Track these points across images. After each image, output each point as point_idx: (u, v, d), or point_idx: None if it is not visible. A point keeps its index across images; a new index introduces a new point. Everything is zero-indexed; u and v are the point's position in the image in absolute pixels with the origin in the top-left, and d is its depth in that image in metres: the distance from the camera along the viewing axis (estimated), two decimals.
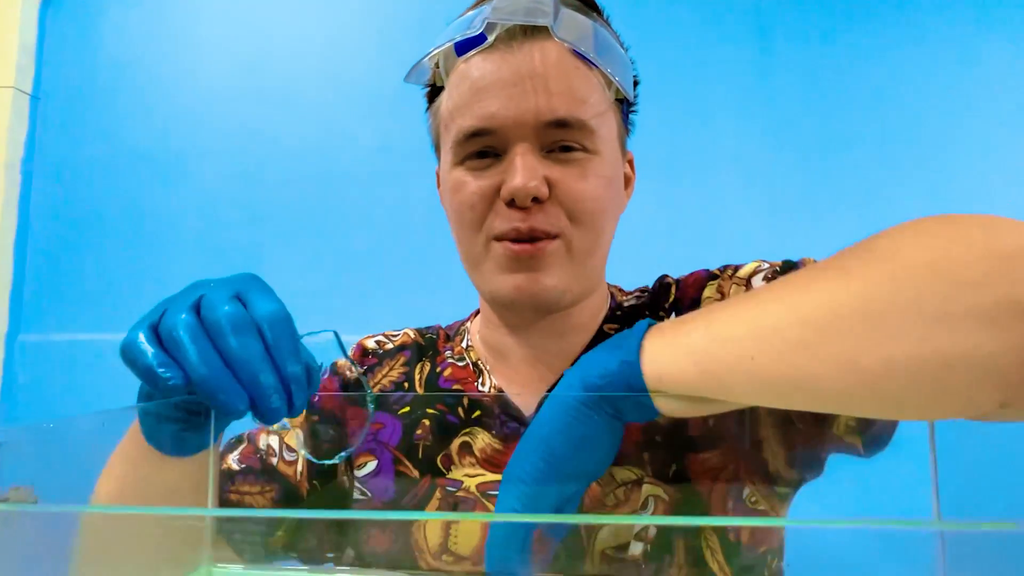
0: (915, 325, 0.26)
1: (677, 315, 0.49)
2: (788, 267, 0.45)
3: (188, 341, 0.28)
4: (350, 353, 0.54)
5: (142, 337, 0.29)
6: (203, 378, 0.27)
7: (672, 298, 0.49)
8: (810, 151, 1.33)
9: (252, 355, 0.28)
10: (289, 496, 0.45)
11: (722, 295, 0.46)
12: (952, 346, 0.25)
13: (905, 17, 1.32)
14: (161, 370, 0.27)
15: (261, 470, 0.46)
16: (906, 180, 1.30)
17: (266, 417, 0.29)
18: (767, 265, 0.45)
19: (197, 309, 0.29)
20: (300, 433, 0.48)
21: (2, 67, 1.39)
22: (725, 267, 0.48)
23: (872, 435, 0.37)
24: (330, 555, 0.44)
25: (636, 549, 0.39)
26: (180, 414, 0.32)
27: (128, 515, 0.31)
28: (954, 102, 1.30)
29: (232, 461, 0.47)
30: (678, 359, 0.30)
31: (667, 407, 0.31)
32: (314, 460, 0.46)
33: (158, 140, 1.43)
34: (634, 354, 0.31)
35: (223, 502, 0.44)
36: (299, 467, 0.47)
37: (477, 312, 0.53)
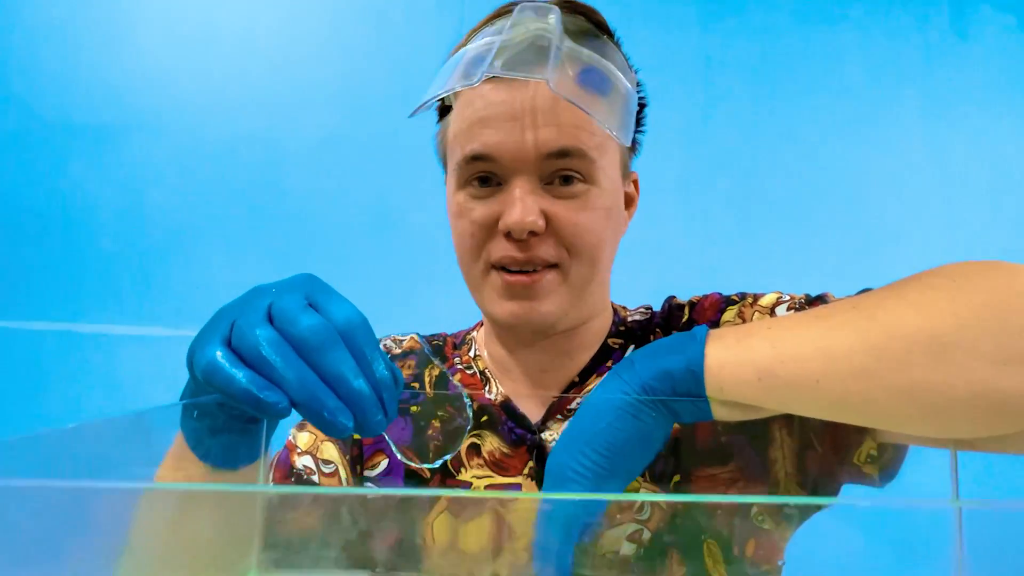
0: (976, 363, 0.28)
1: None
2: (811, 301, 0.46)
3: (280, 361, 0.26)
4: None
5: (221, 357, 0.27)
6: (306, 400, 0.26)
7: (687, 318, 0.51)
8: (744, 183, 1.44)
9: (347, 370, 0.27)
10: (337, 506, 0.45)
11: (743, 321, 0.48)
12: (1008, 386, 0.28)
13: (829, 66, 1.47)
14: (264, 394, 0.26)
15: (301, 494, 0.46)
16: (826, 208, 1.44)
17: (368, 430, 0.28)
18: (788, 297, 0.47)
19: (270, 319, 0.28)
20: (335, 444, 0.49)
21: None
22: (743, 294, 0.50)
23: (889, 467, 0.38)
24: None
25: (628, 550, 0.39)
26: (230, 424, 0.31)
27: (179, 522, 0.29)
28: (867, 141, 1.46)
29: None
30: (743, 372, 0.31)
31: (722, 412, 0.32)
32: (415, 465, 0.47)
33: (79, 111, 1.33)
34: (699, 362, 0.31)
35: (273, 534, 0.41)
36: (342, 476, 0.48)
37: (481, 323, 0.55)
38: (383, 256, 1.34)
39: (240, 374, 0.26)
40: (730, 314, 0.48)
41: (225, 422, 0.31)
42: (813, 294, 0.46)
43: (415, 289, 1.29)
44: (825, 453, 0.40)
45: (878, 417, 0.31)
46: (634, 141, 0.51)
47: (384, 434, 0.45)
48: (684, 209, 1.42)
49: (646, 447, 0.33)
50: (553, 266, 0.43)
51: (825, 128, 1.46)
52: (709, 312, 0.49)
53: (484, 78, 0.39)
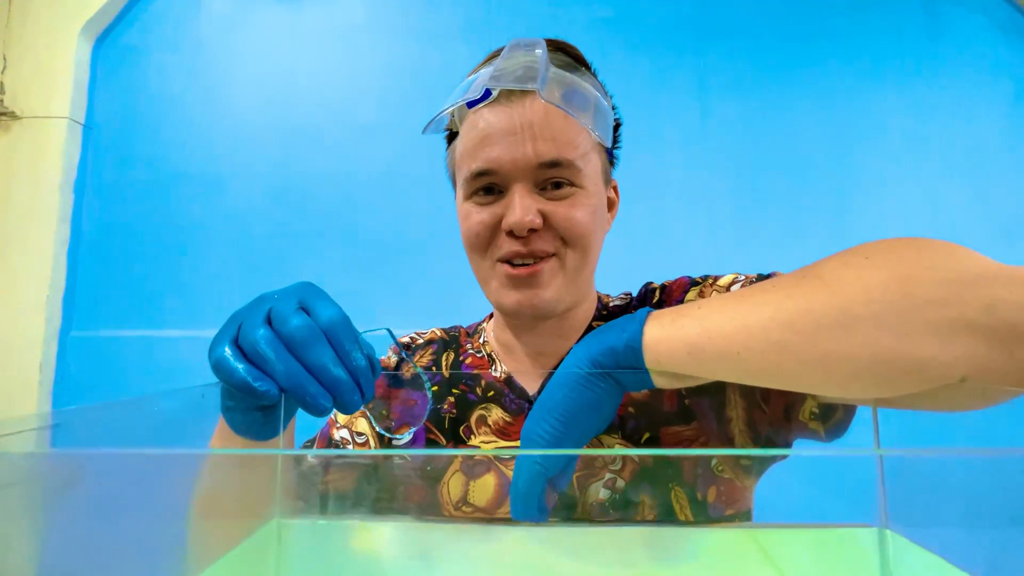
0: (882, 335, 0.29)
1: None
2: (762, 278, 0.47)
3: (272, 355, 0.30)
4: (388, 349, 0.60)
5: (228, 353, 0.31)
6: (292, 387, 0.30)
7: (657, 299, 0.54)
8: (741, 180, 1.62)
9: (326, 360, 0.31)
10: (369, 470, 0.48)
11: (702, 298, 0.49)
12: (911, 355, 0.29)
13: (811, 78, 1.63)
14: (257, 384, 0.30)
15: (346, 461, 0.50)
16: (817, 203, 1.60)
17: (346, 409, 0.32)
18: (743, 276, 0.49)
19: (269, 321, 0.31)
20: (366, 418, 0.54)
21: (60, 100, 1.61)
22: (706, 276, 0.52)
23: (833, 423, 0.40)
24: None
25: (604, 495, 0.43)
26: (257, 411, 0.33)
27: (219, 475, 0.33)
28: (850, 142, 1.61)
29: (313, 459, 0.48)
30: (674, 346, 0.34)
31: (661, 382, 0.35)
32: (389, 435, 0.51)
33: (194, 164, 1.65)
34: (637, 339, 0.34)
35: (315, 495, 0.44)
36: (371, 445, 0.53)
37: (491, 315, 0.60)
38: (435, 268, 1.60)
39: (240, 367, 0.30)
40: (692, 294, 0.51)
41: (251, 406, 0.33)
42: (767, 272, 0.48)
43: (463, 293, 1.55)
44: (772, 412, 0.43)
45: (794, 384, 0.32)
46: (612, 155, 0.54)
47: (365, 409, 0.48)
48: (686, 208, 1.61)
49: (597, 413, 0.35)
50: (551, 256, 0.47)
51: (809, 133, 1.61)
52: (676, 293, 0.52)
53: (482, 95, 0.44)
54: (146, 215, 1.65)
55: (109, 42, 1.69)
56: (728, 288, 0.49)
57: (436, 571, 0.34)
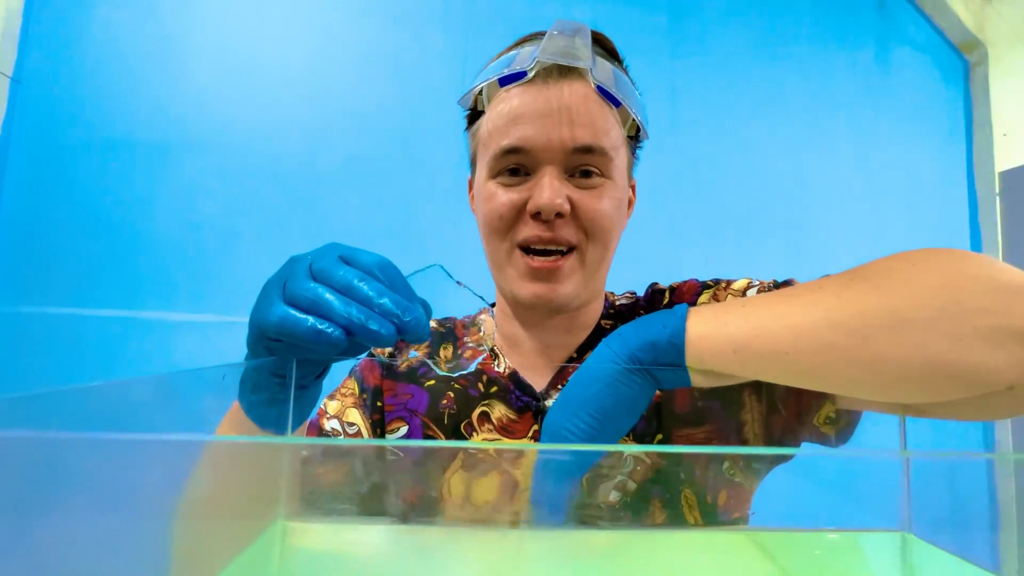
0: (932, 339, 0.29)
1: None
2: (777, 286, 0.47)
3: (330, 299, 0.30)
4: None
5: (288, 311, 0.30)
6: (355, 320, 0.29)
7: (667, 300, 0.53)
8: (703, 189, 1.68)
9: (382, 291, 0.30)
10: (368, 467, 0.46)
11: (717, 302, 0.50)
12: (962, 360, 0.29)
13: (774, 95, 1.72)
14: (323, 326, 0.29)
15: (331, 450, 0.48)
16: (769, 214, 1.68)
17: (411, 334, 0.30)
18: (758, 282, 0.49)
19: (313, 278, 0.31)
20: (357, 413, 0.51)
21: None
22: (718, 280, 0.52)
23: (844, 428, 0.40)
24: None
25: (615, 498, 0.41)
26: (279, 394, 0.33)
27: (221, 476, 0.29)
28: (805, 158, 1.71)
29: (312, 450, 0.44)
30: (719, 344, 0.33)
31: (699, 380, 0.34)
32: (442, 372, 0.48)
33: (139, 131, 1.53)
34: (680, 335, 0.34)
35: (304, 489, 0.41)
36: (364, 435, 0.51)
37: (490, 306, 0.57)
38: (399, 258, 1.56)
39: (307, 318, 0.30)
40: (705, 297, 0.51)
41: (274, 393, 0.33)
42: (781, 280, 0.48)
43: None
44: (788, 416, 0.42)
45: (841, 386, 0.32)
46: (636, 152, 0.54)
47: (419, 354, 0.47)
48: (652, 215, 1.63)
49: (632, 410, 0.35)
50: (572, 249, 0.46)
51: (770, 147, 1.70)
52: (687, 296, 0.52)
53: (534, 67, 0.44)
54: (81, 182, 1.51)
55: None
56: (744, 293, 0.48)
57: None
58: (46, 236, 1.48)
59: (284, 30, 1.60)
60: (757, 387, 0.42)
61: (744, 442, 0.44)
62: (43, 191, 1.50)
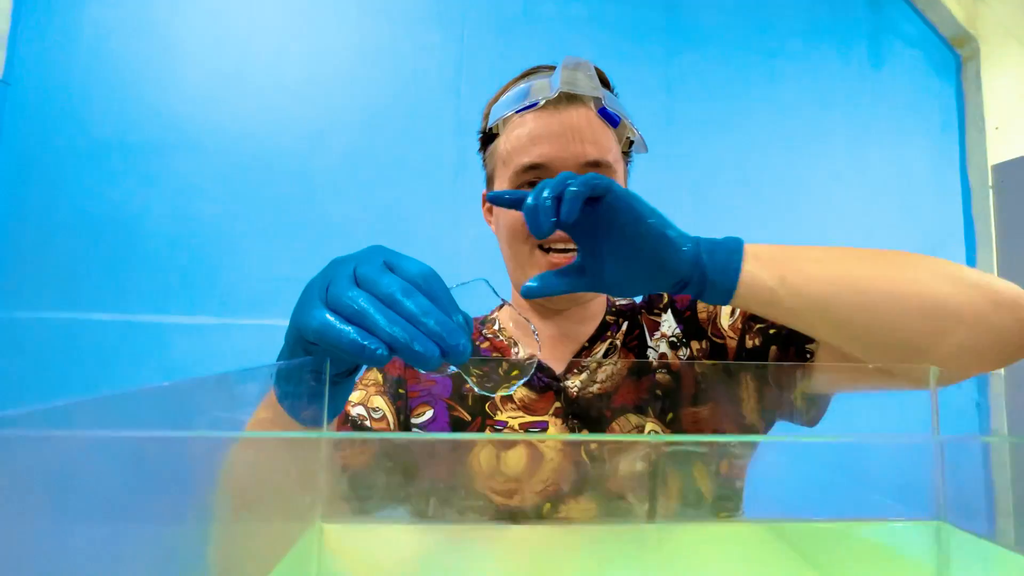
0: (919, 277, 0.38)
1: (672, 312, 0.61)
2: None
3: (375, 313, 0.29)
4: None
5: (331, 318, 0.30)
6: (399, 340, 0.28)
7: (665, 301, 0.61)
8: (699, 184, 1.69)
9: (428, 310, 0.29)
10: (385, 447, 0.47)
11: (710, 313, 0.58)
12: (947, 296, 0.38)
13: (768, 92, 1.73)
14: (367, 343, 0.28)
15: (364, 434, 0.52)
16: (767, 210, 1.69)
17: (453, 357, 0.30)
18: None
19: (357, 284, 0.31)
20: (381, 399, 0.54)
21: None
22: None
23: (815, 411, 0.48)
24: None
25: (642, 467, 0.43)
26: (313, 388, 0.34)
27: (260, 475, 0.29)
28: (799, 153, 1.72)
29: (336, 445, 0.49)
30: (768, 268, 0.40)
31: (742, 296, 0.41)
32: (492, 393, 0.48)
33: (132, 133, 1.51)
34: (738, 262, 0.40)
35: (335, 471, 0.42)
36: (390, 421, 0.53)
37: (500, 307, 0.62)
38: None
39: (349, 329, 0.29)
40: (701, 305, 0.59)
41: (311, 387, 0.33)
42: None
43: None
44: (777, 393, 0.50)
45: (858, 296, 0.39)
46: (629, 166, 0.63)
47: (460, 369, 0.46)
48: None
49: (658, 262, 0.40)
50: None
51: (764, 144, 1.71)
52: (684, 300, 0.62)
53: (550, 95, 0.52)
54: (73, 185, 1.49)
55: None
56: (732, 311, 0.57)
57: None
58: (38, 240, 1.47)
59: (277, 29, 1.59)
60: (753, 370, 0.50)
61: (741, 417, 0.51)
62: (34, 195, 1.48)
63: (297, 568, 0.30)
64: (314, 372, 0.34)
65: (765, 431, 0.53)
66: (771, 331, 0.52)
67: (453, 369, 0.48)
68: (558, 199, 0.36)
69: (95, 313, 1.46)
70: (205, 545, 0.26)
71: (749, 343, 0.53)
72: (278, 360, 0.35)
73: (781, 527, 0.33)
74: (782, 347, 0.50)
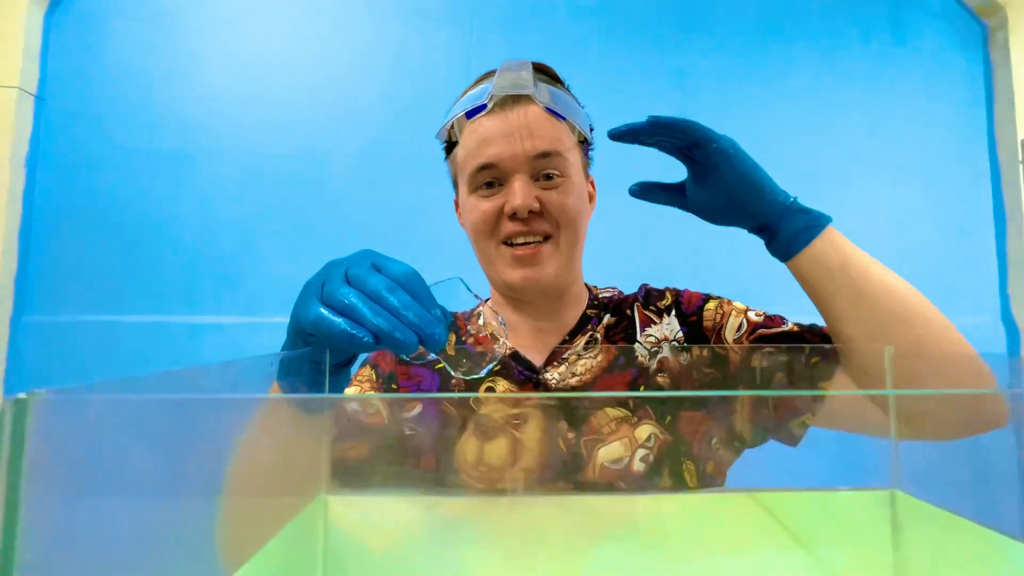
0: (929, 318, 0.46)
1: (677, 314, 0.63)
2: (768, 317, 0.60)
3: (363, 307, 0.33)
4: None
5: (325, 312, 0.34)
6: (383, 329, 0.33)
7: (669, 302, 0.64)
8: None
9: (408, 304, 0.34)
10: (378, 439, 0.51)
11: (722, 314, 0.62)
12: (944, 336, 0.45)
13: (784, 75, 1.69)
14: (355, 332, 0.33)
15: (355, 429, 0.51)
16: (791, 188, 1.66)
17: (430, 344, 0.34)
18: (754, 310, 0.62)
19: (348, 282, 0.35)
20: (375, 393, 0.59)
21: (8, 69, 1.50)
22: (720, 297, 0.64)
23: (802, 436, 0.52)
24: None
25: (640, 467, 0.49)
26: (314, 379, 0.37)
27: (263, 451, 0.32)
28: (818, 138, 1.68)
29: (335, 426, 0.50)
30: (835, 252, 0.48)
31: (800, 263, 0.48)
32: (467, 376, 0.50)
33: (158, 141, 1.57)
34: (814, 234, 0.48)
35: (334, 461, 0.44)
36: (384, 415, 0.55)
37: (484, 302, 0.64)
38: (413, 247, 1.59)
39: (339, 320, 0.33)
40: (711, 305, 0.62)
41: (311, 377, 0.37)
42: (772, 312, 0.61)
43: (438, 272, 1.54)
44: (774, 415, 0.53)
45: (878, 322, 0.46)
46: (588, 153, 0.65)
47: (439, 355, 0.50)
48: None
49: (740, 195, 0.50)
50: (547, 238, 0.56)
51: (780, 130, 1.67)
52: (694, 300, 0.64)
53: (490, 101, 0.54)
54: (106, 194, 1.56)
55: (63, 8, 1.59)
56: (745, 312, 0.60)
57: (476, 543, 0.35)
58: (76, 249, 1.55)
59: (289, 36, 1.63)
60: (755, 388, 0.53)
61: (732, 427, 0.54)
62: (72, 205, 1.56)
63: (303, 532, 0.34)
64: (313, 363, 0.38)
65: (756, 441, 0.55)
66: (782, 359, 0.54)
67: (432, 356, 0.52)
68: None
69: (131, 315, 1.54)
70: (217, 509, 0.29)
71: (755, 363, 0.55)
72: (281, 351, 0.39)
73: (758, 496, 0.35)
74: (788, 376, 0.52)
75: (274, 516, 0.33)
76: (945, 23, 1.70)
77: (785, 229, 0.48)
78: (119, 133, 1.57)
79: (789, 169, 1.70)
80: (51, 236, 1.55)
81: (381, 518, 0.38)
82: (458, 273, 0.46)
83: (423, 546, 0.35)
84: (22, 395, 0.17)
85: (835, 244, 0.47)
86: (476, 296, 0.46)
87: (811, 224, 0.48)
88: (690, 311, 0.62)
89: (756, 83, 1.69)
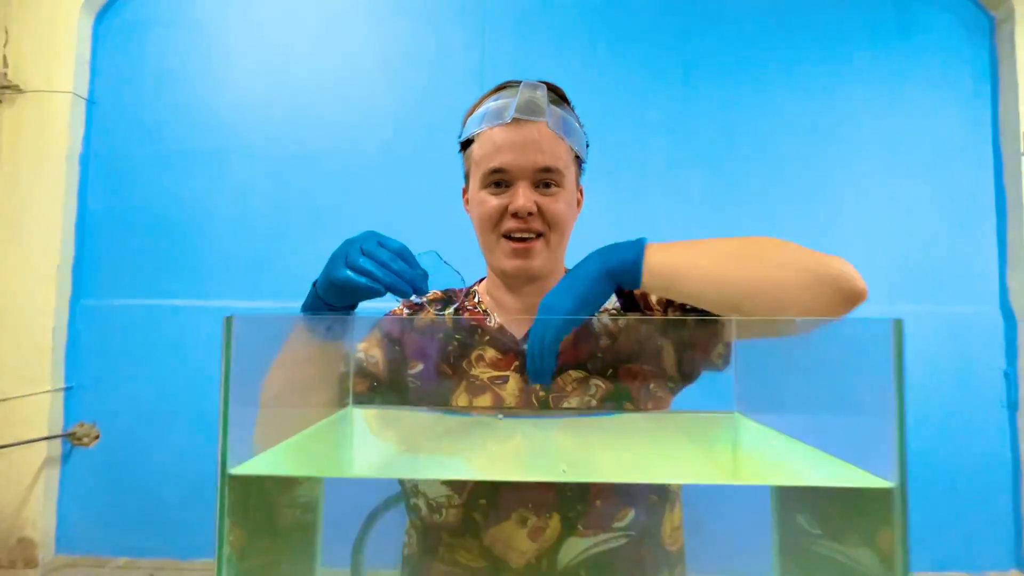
0: (769, 270, 0.51)
1: (616, 289, 0.65)
2: None
3: (375, 270, 0.50)
4: (401, 306, 0.76)
5: (351, 273, 0.50)
6: (388, 282, 0.50)
7: None
8: (718, 165, 1.73)
9: (403, 269, 0.51)
10: (377, 382, 0.68)
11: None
12: (782, 280, 0.51)
13: (788, 68, 1.73)
14: (372, 285, 0.50)
15: (363, 372, 0.70)
16: (787, 189, 1.72)
17: (417, 292, 0.51)
18: None
19: (362, 253, 0.51)
20: (378, 350, 0.71)
21: (62, 74, 1.65)
22: None
23: (725, 361, 0.61)
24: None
25: (587, 403, 0.61)
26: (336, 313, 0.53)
27: (298, 368, 0.48)
28: (821, 129, 1.72)
29: (363, 363, 0.69)
30: (669, 263, 0.52)
31: (650, 284, 0.53)
32: (440, 315, 0.70)
33: (195, 140, 1.71)
34: (640, 254, 0.52)
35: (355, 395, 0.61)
36: (380, 366, 0.70)
37: (480, 280, 0.77)
38: (422, 234, 1.70)
39: (362, 279, 0.50)
40: None
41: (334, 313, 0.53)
42: None
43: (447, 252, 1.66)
44: (695, 354, 0.65)
45: (722, 293, 0.53)
46: (582, 167, 0.73)
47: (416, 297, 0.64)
48: (666, 189, 1.71)
49: (601, 300, 0.53)
50: (539, 236, 0.65)
51: (785, 123, 1.72)
52: None
53: (510, 120, 0.63)
54: (150, 188, 1.71)
55: (109, 18, 1.73)
56: None
57: (467, 440, 0.51)
58: (125, 240, 1.70)
59: (313, 40, 1.74)
60: (675, 334, 0.65)
61: (663, 370, 0.64)
62: (120, 200, 1.71)
63: (334, 428, 0.50)
64: (328, 305, 0.54)
65: (688, 379, 0.67)
66: (687, 307, 0.64)
67: (416, 299, 0.72)
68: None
69: (173, 300, 1.70)
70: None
71: (671, 315, 0.67)
72: (311, 290, 0.55)
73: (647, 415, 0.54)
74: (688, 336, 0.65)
75: (315, 416, 0.50)
76: (952, 15, 1.71)
77: (623, 273, 0.53)
78: (161, 133, 1.72)
79: (794, 160, 1.79)
80: (103, 228, 1.71)
81: (397, 423, 0.55)
82: (461, 255, 0.59)
83: (428, 443, 0.50)
84: (228, 315, 0.33)
85: (657, 257, 0.52)
86: (447, 263, 0.58)
87: (632, 249, 0.53)
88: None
89: (759, 78, 1.73)
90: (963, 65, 1.71)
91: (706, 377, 0.65)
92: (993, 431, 1.69)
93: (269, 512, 0.39)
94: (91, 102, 1.70)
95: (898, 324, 0.28)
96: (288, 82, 1.73)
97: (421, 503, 0.60)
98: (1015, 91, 1.64)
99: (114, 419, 1.68)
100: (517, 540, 0.55)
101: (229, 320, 0.32)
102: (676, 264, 0.52)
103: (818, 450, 0.36)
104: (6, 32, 1.65)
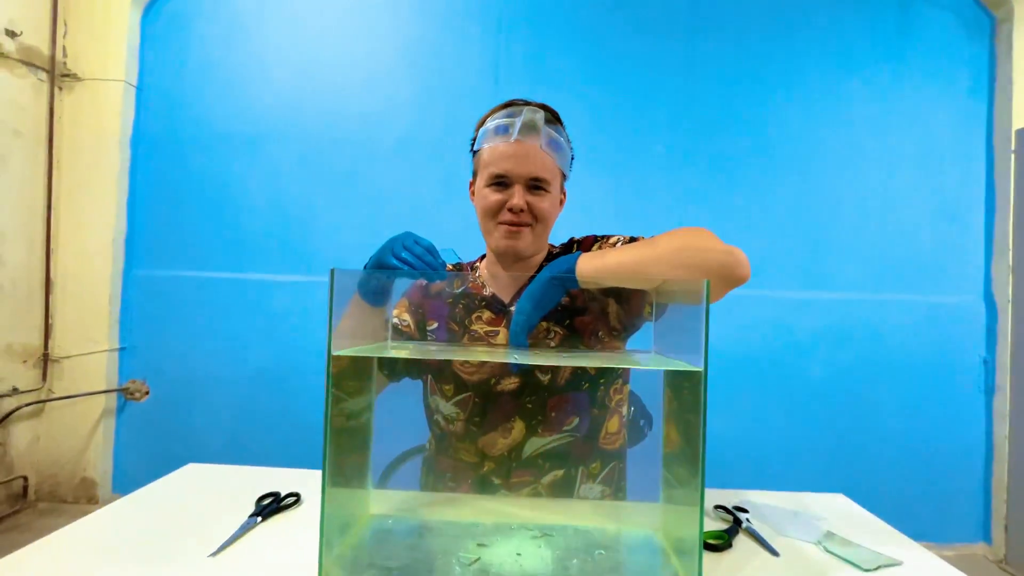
0: (680, 260, 0.66)
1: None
2: (632, 239, 0.83)
3: (413, 260, 0.68)
4: (450, 266, 0.93)
5: (395, 261, 0.68)
6: (420, 268, 0.68)
7: (575, 248, 0.89)
8: (718, 157, 1.82)
9: (432, 262, 0.69)
10: (409, 337, 0.88)
11: (599, 247, 0.84)
12: (677, 272, 0.66)
13: (789, 67, 1.81)
14: (406, 269, 0.68)
15: (397, 331, 0.89)
16: (783, 182, 1.81)
17: (440, 278, 0.75)
18: (622, 237, 0.85)
19: (404, 247, 0.69)
20: (408, 314, 0.89)
21: (115, 63, 1.80)
22: (606, 236, 0.87)
23: (657, 315, 0.75)
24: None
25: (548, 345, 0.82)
26: (382, 289, 0.70)
27: (356, 314, 0.67)
28: (820, 127, 1.80)
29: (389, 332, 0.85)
30: (594, 267, 0.67)
31: (585, 284, 0.69)
32: (451, 290, 0.87)
33: (233, 126, 1.86)
34: (574, 264, 0.68)
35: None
36: (412, 327, 0.89)
37: (481, 258, 0.95)
38: (436, 219, 1.84)
39: (403, 266, 0.68)
40: (596, 246, 0.87)
41: (378, 287, 0.70)
42: (634, 235, 0.84)
43: (463, 241, 1.80)
44: (630, 310, 0.85)
45: (647, 279, 0.69)
46: (565, 176, 0.91)
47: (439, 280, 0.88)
48: (669, 181, 1.82)
49: (554, 298, 0.71)
50: (527, 225, 0.82)
51: (783, 118, 1.81)
52: (587, 242, 0.89)
53: (513, 140, 0.81)
54: (193, 170, 1.87)
55: (155, 11, 1.87)
56: (614, 244, 0.84)
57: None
58: (171, 215, 1.87)
59: (343, 39, 1.86)
60: (617, 295, 0.82)
61: (609, 322, 0.83)
62: (167, 179, 1.88)
63: (372, 353, 0.69)
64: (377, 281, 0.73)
65: (630, 329, 0.85)
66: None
67: (440, 280, 0.89)
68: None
69: (215, 272, 1.87)
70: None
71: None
72: (364, 271, 0.72)
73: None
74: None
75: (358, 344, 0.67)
76: (953, 14, 1.76)
77: (568, 279, 0.70)
78: (203, 119, 1.87)
79: (790, 154, 1.88)
80: (151, 205, 1.88)
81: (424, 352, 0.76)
82: (463, 235, 0.77)
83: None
84: (333, 268, 0.51)
85: (588, 263, 0.68)
86: (459, 256, 0.82)
87: (569, 261, 0.69)
88: (584, 250, 0.85)
89: (760, 74, 1.81)
90: (961, 63, 1.77)
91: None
92: (969, 415, 1.80)
93: (356, 384, 0.61)
94: (140, 89, 1.86)
95: (706, 284, 0.48)
96: (318, 74, 1.86)
97: (439, 418, 0.84)
98: (1009, 91, 1.70)
99: (162, 377, 1.87)
100: (498, 441, 0.80)
101: (333, 271, 0.52)
102: (599, 267, 0.68)
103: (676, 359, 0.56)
104: (65, 24, 1.80)
